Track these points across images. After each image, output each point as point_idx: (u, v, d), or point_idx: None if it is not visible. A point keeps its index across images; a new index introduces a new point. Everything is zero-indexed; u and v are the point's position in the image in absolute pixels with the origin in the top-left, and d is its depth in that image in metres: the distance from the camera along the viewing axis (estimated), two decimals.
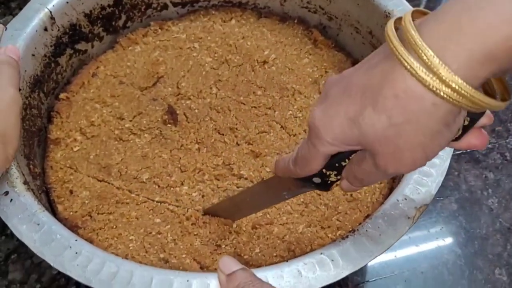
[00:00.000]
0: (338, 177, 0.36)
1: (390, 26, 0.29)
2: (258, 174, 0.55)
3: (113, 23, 0.67)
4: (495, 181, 0.68)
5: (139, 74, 0.64)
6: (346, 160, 0.34)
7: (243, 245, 0.50)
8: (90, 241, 0.49)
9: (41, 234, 0.43)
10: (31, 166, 0.53)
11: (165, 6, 0.70)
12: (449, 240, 0.63)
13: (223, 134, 0.59)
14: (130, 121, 0.60)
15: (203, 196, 0.54)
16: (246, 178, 0.55)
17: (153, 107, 0.61)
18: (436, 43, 0.26)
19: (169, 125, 0.59)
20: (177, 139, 0.58)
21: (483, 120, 0.31)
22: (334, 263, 0.41)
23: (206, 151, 0.57)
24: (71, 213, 0.53)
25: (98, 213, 0.53)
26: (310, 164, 0.35)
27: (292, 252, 0.49)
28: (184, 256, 0.50)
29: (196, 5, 0.71)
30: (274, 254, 0.50)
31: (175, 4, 0.70)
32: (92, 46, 0.67)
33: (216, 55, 0.66)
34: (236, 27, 0.69)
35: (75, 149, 0.58)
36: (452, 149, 0.47)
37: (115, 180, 0.55)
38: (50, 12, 0.59)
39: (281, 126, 0.59)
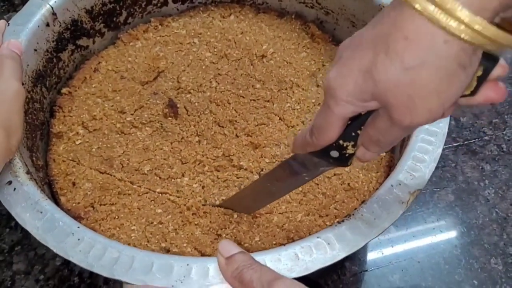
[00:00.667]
0: (355, 149, 0.35)
1: None
2: (257, 165, 0.56)
3: (114, 19, 0.68)
4: (491, 172, 0.69)
5: (140, 69, 0.65)
6: (362, 128, 0.33)
7: (243, 233, 0.51)
8: (93, 231, 0.50)
9: (44, 221, 0.44)
10: (34, 159, 0.54)
11: (165, 3, 0.71)
12: (445, 230, 0.64)
13: (222, 127, 0.59)
14: (132, 114, 0.61)
15: (203, 187, 0.55)
16: (245, 169, 0.56)
17: (154, 100, 0.62)
18: None
19: (169, 118, 0.60)
20: (177, 131, 0.59)
21: (497, 71, 0.30)
22: (330, 246, 0.42)
23: (206, 143, 0.58)
24: (74, 204, 0.54)
25: (100, 204, 0.54)
26: (327, 131, 0.34)
27: (291, 240, 0.50)
28: (185, 245, 0.51)
29: (195, 1, 0.72)
30: (274, 242, 0.50)
31: (175, 1, 0.72)
32: (94, 42, 0.68)
33: (215, 49, 0.67)
34: (235, 22, 0.70)
35: (77, 143, 0.59)
36: (445, 136, 0.48)
37: (117, 172, 0.56)
38: (52, 8, 0.60)
39: (280, 118, 0.60)
